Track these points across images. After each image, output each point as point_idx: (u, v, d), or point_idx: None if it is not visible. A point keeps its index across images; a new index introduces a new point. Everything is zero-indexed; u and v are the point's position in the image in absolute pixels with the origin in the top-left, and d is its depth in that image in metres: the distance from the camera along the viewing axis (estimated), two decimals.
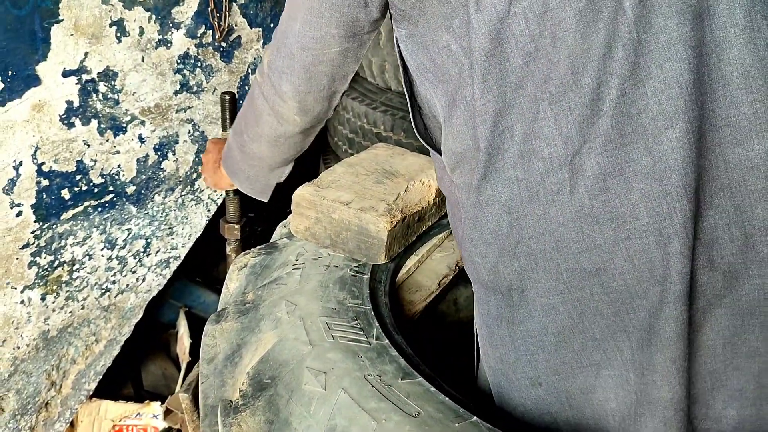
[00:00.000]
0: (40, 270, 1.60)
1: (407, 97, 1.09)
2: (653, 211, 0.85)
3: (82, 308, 1.75)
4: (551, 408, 0.99)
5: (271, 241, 1.51)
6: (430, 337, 1.59)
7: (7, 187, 1.45)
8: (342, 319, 1.13)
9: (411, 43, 0.99)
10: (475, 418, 0.91)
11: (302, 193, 1.32)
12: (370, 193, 1.33)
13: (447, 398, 0.95)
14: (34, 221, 1.54)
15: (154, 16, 1.62)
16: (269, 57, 1.11)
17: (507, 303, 0.99)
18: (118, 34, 1.55)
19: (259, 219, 2.86)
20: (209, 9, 1.73)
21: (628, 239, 0.87)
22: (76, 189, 1.60)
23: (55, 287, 1.65)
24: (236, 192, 1.73)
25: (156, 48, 1.65)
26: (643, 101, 0.83)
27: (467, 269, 1.08)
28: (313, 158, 3.11)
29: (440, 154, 1.04)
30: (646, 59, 0.83)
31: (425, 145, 1.12)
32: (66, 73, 1.49)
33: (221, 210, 1.81)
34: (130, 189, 1.73)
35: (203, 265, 2.34)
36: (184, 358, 2.05)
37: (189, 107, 1.80)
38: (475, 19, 0.86)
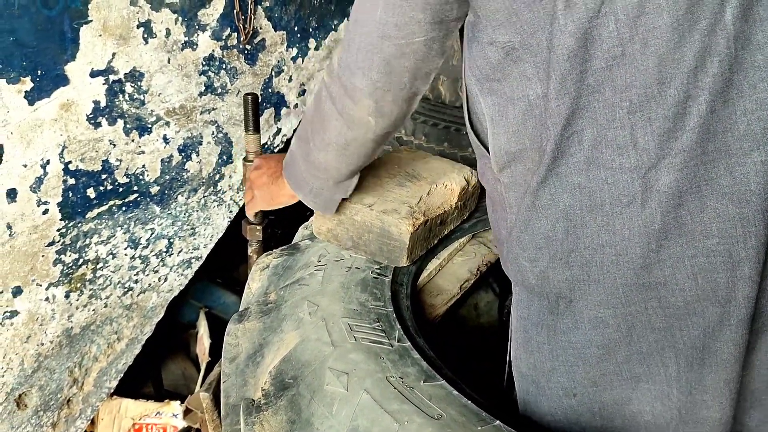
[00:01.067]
0: (65, 268, 1.62)
1: (463, 87, 1.06)
2: (726, 232, 0.84)
3: (105, 306, 1.76)
4: (581, 418, 0.99)
5: (293, 242, 1.52)
6: (451, 340, 1.59)
7: (34, 185, 1.47)
8: (364, 320, 1.13)
9: (471, 31, 0.95)
10: (497, 422, 0.90)
11: None
12: (392, 196, 1.33)
13: (469, 402, 0.94)
14: (60, 219, 1.55)
15: (180, 18, 1.63)
16: (339, 54, 1.03)
17: (551, 310, 0.98)
18: (146, 36, 1.57)
19: (280, 222, 2.88)
20: (234, 11, 1.74)
21: (694, 257, 0.86)
22: (101, 188, 1.62)
23: (79, 285, 1.67)
24: None
25: (182, 49, 1.67)
26: (730, 120, 0.81)
27: (509, 270, 1.06)
28: None
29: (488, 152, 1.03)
30: (740, 76, 0.80)
31: (472, 140, 1.09)
32: (94, 74, 1.50)
33: (243, 212, 1.82)
34: (154, 189, 1.75)
35: (224, 266, 2.35)
36: (203, 358, 2.06)
37: (213, 109, 1.81)
38: (563, 15, 0.82)
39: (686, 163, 0.83)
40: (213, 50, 1.75)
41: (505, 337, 1.43)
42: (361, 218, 1.28)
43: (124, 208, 1.70)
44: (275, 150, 2.07)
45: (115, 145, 1.61)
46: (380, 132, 1.07)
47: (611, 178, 0.87)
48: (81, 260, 1.65)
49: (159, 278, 1.88)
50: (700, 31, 0.79)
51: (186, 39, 1.67)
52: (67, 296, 1.65)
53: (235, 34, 1.78)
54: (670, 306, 0.89)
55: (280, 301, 1.23)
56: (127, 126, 1.62)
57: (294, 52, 1.99)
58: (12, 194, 1.44)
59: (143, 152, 1.68)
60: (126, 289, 1.80)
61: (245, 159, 1.70)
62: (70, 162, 1.53)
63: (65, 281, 1.63)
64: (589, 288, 0.92)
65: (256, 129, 1.65)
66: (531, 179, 0.94)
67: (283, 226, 2.86)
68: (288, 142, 2.11)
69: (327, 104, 1.07)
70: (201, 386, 1.74)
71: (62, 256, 1.60)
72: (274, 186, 1.34)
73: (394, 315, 1.16)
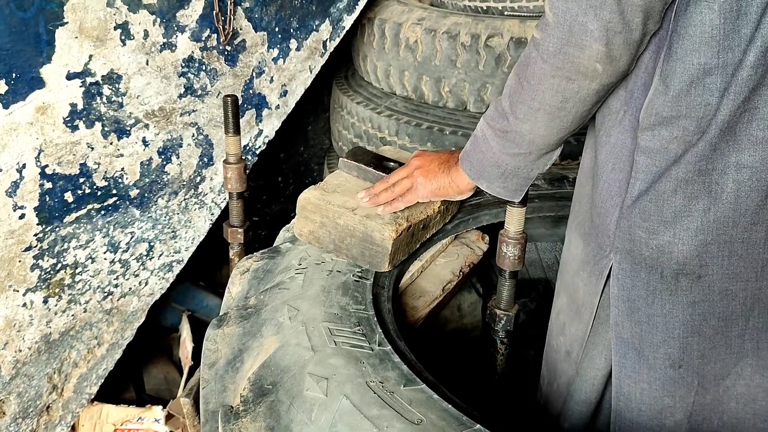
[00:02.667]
0: (43, 273, 1.60)
1: None
2: None
3: (85, 311, 1.74)
4: (678, 390, 1.03)
5: (274, 245, 1.51)
6: (434, 342, 1.58)
7: (10, 190, 1.45)
8: (344, 324, 1.12)
9: None
10: (478, 426, 0.90)
11: (308, 197, 1.31)
12: None
13: (450, 406, 0.93)
14: (37, 224, 1.53)
15: (158, 19, 1.61)
16: (553, 2, 0.94)
17: (666, 285, 0.99)
18: (123, 37, 1.55)
19: (263, 223, 2.86)
20: (214, 12, 1.73)
21: None
22: (79, 192, 1.60)
23: (57, 290, 1.65)
24: (239, 196, 1.73)
25: (160, 51, 1.65)
26: None
27: (614, 238, 1.04)
28: (319, 163, 3.11)
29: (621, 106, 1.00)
30: None
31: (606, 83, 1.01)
32: (70, 76, 1.49)
33: (225, 214, 1.80)
34: (134, 192, 1.73)
35: (207, 268, 2.34)
36: (186, 362, 2.05)
37: (193, 110, 1.79)
38: None
39: None
40: (192, 51, 1.73)
41: (488, 337, 1.43)
42: (344, 222, 1.27)
43: (103, 212, 1.68)
44: (256, 151, 2.06)
45: (93, 149, 1.59)
46: (606, 81, 0.98)
47: None
48: (59, 265, 1.63)
49: (140, 282, 1.86)
50: None
51: (165, 40, 1.65)
52: (45, 301, 1.63)
53: (215, 35, 1.77)
54: None
55: (260, 305, 1.22)
56: (105, 129, 1.60)
57: (275, 52, 1.98)
58: None
59: (122, 155, 1.66)
60: (106, 294, 1.78)
61: (226, 161, 1.68)
62: (46, 166, 1.51)
63: (43, 286, 1.61)
64: (730, 262, 0.94)
65: (237, 131, 1.64)
66: (677, 149, 0.93)
67: (265, 227, 2.85)
68: (270, 144, 2.10)
69: (538, 64, 0.98)
70: (183, 391, 1.73)
71: (40, 261, 1.58)
72: (445, 176, 1.25)
73: (375, 318, 1.15)
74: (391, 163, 1.40)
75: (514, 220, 1.30)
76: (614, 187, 1.03)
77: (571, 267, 1.18)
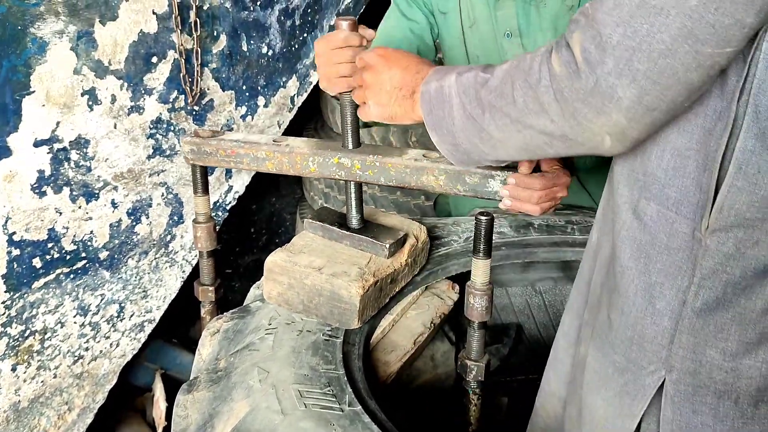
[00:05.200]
0: (11, 340, 1.58)
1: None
2: None
3: (55, 377, 1.72)
4: None
5: (244, 303, 1.51)
6: (408, 396, 1.59)
7: None
8: (314, 385, 1.13)
9: None
10: None
11: (274, 259, 1.32)
12: (342, 257, 1.34)
13: None
14: (5, 291, 1.52)
15: (126, 84, 1.64)
16: (586, 45, 0.76)
17: (742, 413, 0.87)
18: (90, 103, 1.57)
19: (236, 275, 2.86)
20: (181, 75, 1.76)
21: None
22: (47, 257, 1.60)
23: (26, 357, 1.63)
24: (210, 254, 1.73)
25: (128, 114, 1.67)
26: None
27: (669, 354, 0.88)
28: (291, 212, 3.13)
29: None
30: None
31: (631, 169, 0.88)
32: (37, 143, 1.50)
33: (196, 270, 1.81)
34: (103, 254, 1.73)
35: (179, 325, 2.32)
36: (160, 422, 2.02)
37: (162, 171, 1.81)
38: None
39: None
40: (160, 113, 1.76)
41: (462, 387, 1.43)
42: (311, 282, 1.28)
43: (72, 276, 1.67)
44: (227, 207, 2.07)
45: (61, 213, 1.59)
46: (607, 154, 0.84)
47: None
48: (28, 331, 1.61)
49: (111, 344, 1.84)
50: None
51: (132, 104, 1.67)
52: (13, 369, 1.61)
53: (183, 96, 1.80)
54: None
55: (230, 368, 1.22)
56: (74, 193, 1.60)
57: (243, 110, 2.01)
58: None
59: (91, 218, 1.66)
60: (76, 358, 1.76)
61: (195, 220, 1.69)
62: (14, 233, 1.51)
63: (11, 354, 1.59)
64: None
65: (205, 190, 1.65)
66: (759, 256, 0.79)
67: (239, 279, 2.85)
68: (239, 199, 2.12)
69: (547, 96, 0.81)
70: None
71: (8, 329, 1.56)
72: (400, 106, 1.08)
73: (345, 378, 1.16)
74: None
75: (479, 272, 1.32)
76: (653, 293, 0.87)
77: (584, 380, 1.02)
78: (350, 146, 1.33)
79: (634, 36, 0.72)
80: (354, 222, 1.41)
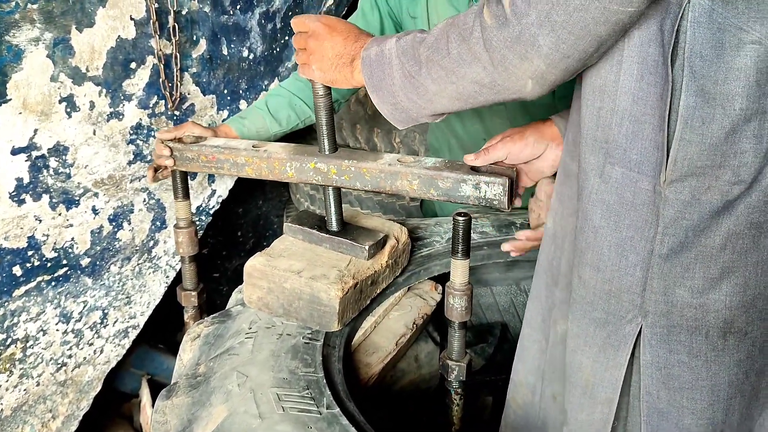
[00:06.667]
0: None
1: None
2: None
3: (38, 385, 1.71)
4: None
5: (226, 308, 1.51)
6: (390, 398, 1.59)
7: None
8: (293, 389, 1.13)
9: (702, 13, 0.83)
10: None
11: (253, 264, 1.32)
12: (322, 260, 1.34)
13: None
14: None
15: (104, 90, 1.64)
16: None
17: (713, 346, 0.93)
18: (68, 110, 1.57)
19: (223, 279, 2.85)
20: (160, 80, 1.75)
21: None
22: (28, 265, 1.59)
23: (8, 365, 1.62)
24: (192, 259, 1.73)
25: (108, 120, 1.67)
26: None
27: (643, 300, 0.95)
28: (278, 215, 3.13)
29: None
30: None
31: (594, 138, 0.95)
32: (15, 151, 1.49)
33: (180, 276, 1.80)
34: (85, 261, 1.72)
35: (165, 330, 2.31)
36: (147, 428, 2.01)
37: (144, 176, 1.81)
38: None
39: None
40: (140, 119, 1.75)
41: (443, 386, 1.44)
42: (290, 285, 1.29)
43: (53, 283, 1.67)
44: (210, 211, 2.07)
45: (41, 221, 1.58)
46: (528, 97, 0.94)
47: None
48: (9, 340, 1.61)
49: (94, 351, 1.84)
50: None
51: (111, 110, 1.67)
52: None
53: (163, 101, 1.79)
54: None
55: (210, 372, 1.22)
56: (53, 200, 1.60)
57: (225, 114, 2.01)
58: None
59: (71, 225, 1.66)
60: (59, 365, 1.75)
61: (176, 226, 1.69)
62: None
63: None
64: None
65: (186, 195, 1.66)
66: (712, 200, 0.87)
67: (227, 283, 2.84)
68: (227, 198, 2.12)
69: (478, 46, 0.92)
70: None
71: None
72: (340, 72, 1.16)
73: (325, 381, 1.16)
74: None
75: (458, 272, 1.33)
76: (624, 246, 0.95)
77: (567, 347, 1.07)
78: (326, 151, 1.34)
79: (544, 1, 0.83)
80: (334, 224, 1.42)
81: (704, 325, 0.92)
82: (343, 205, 1.43)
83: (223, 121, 1.99)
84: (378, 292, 1.44)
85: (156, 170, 1.63)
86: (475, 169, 1.24)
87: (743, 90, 0.82)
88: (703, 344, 0.93)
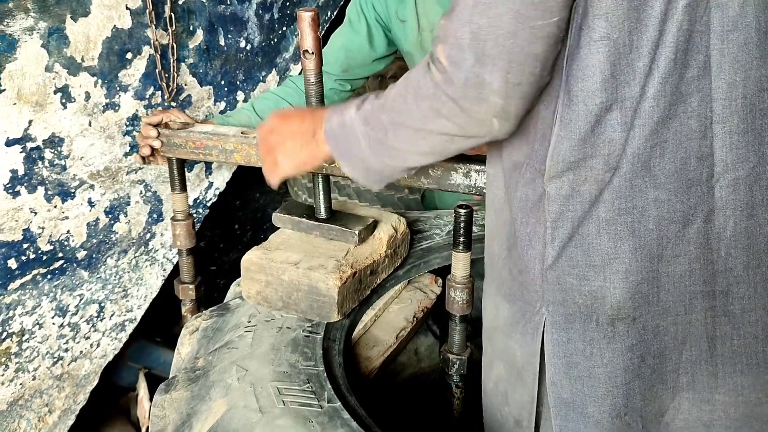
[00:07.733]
0: None
1: None
2: None
3: (34, 379, 1.69)
4: None
5: (224, 301, 1.50)
6: (390, 391, 1.58)
7: None
8: (293, 382, 1.12)
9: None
10: None
11: (250, 257, 1.31)
12: (319, 251, 1.32)
13: None
14: None
15: (100, 81, 1.61)
16: (448, 51, 0.88)
17: (604, 333, 0.97)
18: (64, 101, 1.54)
19: (221, 272, 2.83)
20: (157, 71, 1.73)
21: (758, 267, 0.93)
22: (23, 258, 1.57)
23: (3, 359, 1.61)
24: (189, 252, 1.72)
25: (103, 112, 1.65)
26: None
27: (543, 291, 1.00)
28: (275, 208, 3.11)
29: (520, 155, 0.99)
30: None
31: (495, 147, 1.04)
32: (9, 142, 1.47)
33: (177, 269, 1.79)
34: (81, 254, 1.70)
35: (162, 323, 2.30)
36: (144, 422, 2.00)
37: (140, 168, 1.78)
38: (680, 11, 0.84)
39: (759, 176, 0.89)
40: (137, 110, 1.73)
41: (445, 381, 1.43)
42: (288, 277, 1.27)
43: (49, 276, 1.65)
44: (207, 204, 2.05)
45: (36, 213, 1.56)
46: (501, 136, 0.94)
47: (687, 191, 0.90)
48: (5, 334, 1.59)
49: (91, 344, 1.82)
50: None
51: (107, 101, 1.65)
52: None
53: (159, 92, 1.77)
54: (728, 314, 0.95)
55: (209, 366, 1.20)
56: (49, 192, 1.58)
57: (222, 105, 1.99)
58: None
59: (67, 218, 1.64)
60: (56, 359, 1.74)
61: (173, 218, 1.68)
62: None
63: None
64: (658, 298, 0.95)
65: (183, 188, 1.64)
66: (591, 189, 0.93)
67: (224, 275, 2.82)
68: (221, 195, 2.10)
69: (436, 103, 0.92)
70: None
71: None
72: (306, 150, 1.15)
73: (325, 374, 1.15)
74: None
75: (460, 265, 1.32)
76: (530, 240, 1.01)
77: (502, 331, 1.13)
78: None
79: (479, 30, 0.84)
80: (322, 212, 1.40)
81: (594, 312, 0.96)
82: (341, 199, 1.42)
83: (220, 112, 1.97)
84: (378, 282, 1.43)
85: (144, 159, 1.63)
86: (466, 157, 1.23)
87: (601, 84, 0.87)
88: (595, 331, 0.97)
